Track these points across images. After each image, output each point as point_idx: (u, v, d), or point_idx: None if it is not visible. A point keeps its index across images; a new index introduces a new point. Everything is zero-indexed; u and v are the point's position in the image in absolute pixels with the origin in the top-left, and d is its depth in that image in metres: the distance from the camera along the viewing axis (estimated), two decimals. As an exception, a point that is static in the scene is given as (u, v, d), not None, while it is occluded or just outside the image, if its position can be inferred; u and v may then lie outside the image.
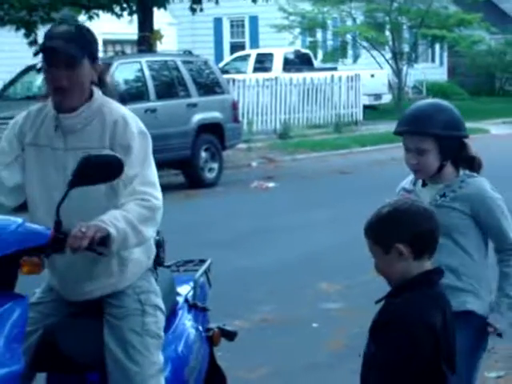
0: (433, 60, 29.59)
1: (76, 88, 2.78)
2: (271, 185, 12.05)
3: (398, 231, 2.39)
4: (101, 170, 2.59)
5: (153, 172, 2.83)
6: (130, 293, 2.88)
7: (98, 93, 2.86)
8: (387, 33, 23.62)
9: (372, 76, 22.17)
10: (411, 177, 3.26)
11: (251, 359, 4.94)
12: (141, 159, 2.80)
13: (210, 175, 12.35)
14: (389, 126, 19.65)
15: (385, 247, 2.40)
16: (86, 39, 2.80)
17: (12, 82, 12.34)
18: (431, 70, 27.91)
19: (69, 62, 2.74)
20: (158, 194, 2.81)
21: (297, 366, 5.00)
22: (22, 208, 3.02)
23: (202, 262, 3.57)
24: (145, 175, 2.79)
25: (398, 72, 23.34)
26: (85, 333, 2.87)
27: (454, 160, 3.14)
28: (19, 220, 2.56)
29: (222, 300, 3.65)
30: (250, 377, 4.77)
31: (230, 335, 3.45)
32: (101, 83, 2.89)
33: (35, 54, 2.77)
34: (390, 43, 23.32)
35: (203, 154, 12.25)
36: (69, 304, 2.93)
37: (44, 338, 2.84)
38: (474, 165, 3.16)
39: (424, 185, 3.18)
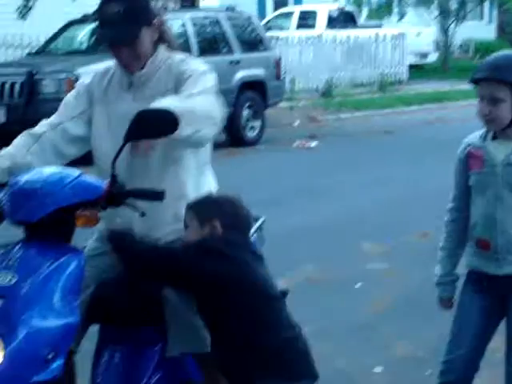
0: (481, 17, 28.94)
1: (139, 57, 2.86)
2: (313, 144, 11.91)
3: (217, 210, 2.67)
4: (155, 125, 2.57)
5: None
6: None
7: (162, 47, 2.91)
8: (435, -11, 23.11)
9: (418, 34, 21.76)
10: (479, 133, 3.11)
11: (294, 318, 4.86)
12: (198, 86, 2.79)
13: (251, 134, 12.24)
14: (435, 86, 19.38)
15: (202, 221, 2.66)
16: (137, 12, 2.81)
17: (54, 37, 12.32)
18: (480, 27, 27.31)
19: (125, 43, 2.81)
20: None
21: (340, 326, 4.94)
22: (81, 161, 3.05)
23: (256, 219, 3.51)
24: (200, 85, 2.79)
25: (445, 30, 22.87)
26: (140, 286, 2.83)
27: None
28: (76, 173, 2.56)
29: (265, 259, 3.57)
30: (292, 336, 4.71)
31: (281, 294, 3.38)
32: (161, 39, 2.92)
33: (98, 43, 2.88)
34: (438, 0, 22.82)
35: (245, 112, 12.14)
36: None
37: (98, 290, 2.84)
38: None
39: (494, 138, 3.03)
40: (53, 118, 2.96)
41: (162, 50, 2.93)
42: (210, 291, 2.56)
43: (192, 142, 2.69)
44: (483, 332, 3.11)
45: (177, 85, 2.85)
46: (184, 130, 2.57)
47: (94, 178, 2.61)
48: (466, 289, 3.15)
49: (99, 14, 2.84)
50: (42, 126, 2.95)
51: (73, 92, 3.02)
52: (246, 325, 2.58)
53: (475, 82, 3.00)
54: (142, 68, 2.88)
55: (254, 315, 2.60)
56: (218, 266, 2.54)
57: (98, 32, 2.90)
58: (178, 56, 2.94)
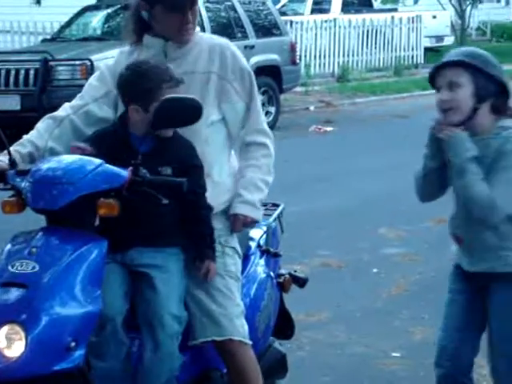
0: (498, 0, 28.67)
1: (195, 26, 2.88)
2: (329, 129, 11.88)
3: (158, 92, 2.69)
4: (180, 113, 2.57)
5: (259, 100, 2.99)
6: None
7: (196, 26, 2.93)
8: (451, -28, 22.91)
9: (434, 17, 21.57)
10: None
11: (311, 303, 4.89)
12: (254, 85, 2.90)
13: (266, 119, 12.16)
14: (450, 69, 19.24)
15: (147, 108, 2.70)
16: None
17: (68, 23, 12.31)
18: (496, 10, 27.06)
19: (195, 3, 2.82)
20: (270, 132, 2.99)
21: (356, 311, 4.94)
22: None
23: (275, 206, 3.51)
24: (259, 106, 2.93)
25: (461, 13, 22.68)
26: None
27: (493, 108, 2.86)
28: (98, 161, 2.55)
29: (281, 244, 3.58)
30: (310, 320, 4.73)
31: (301, 282, 3.40)
32: None
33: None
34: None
35: (260, 97, 12.11)
36: None
37: None
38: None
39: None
40: (75, 101, 2.91)
41: (197, 31, 2.92)
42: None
43: None
44: (465, 325, 3.00)
45: (225, 75, 2.85)
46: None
47: (116, 167, 2.59)
48: (450, 281, 3.09)
49: None
50: (65, 109, 2.90)
51: (96, 74, 2.97)
52: None
53: (433, 76, 2.89)
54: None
55: None
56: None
57: None
58: (215, 40, 2.93)
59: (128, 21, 2.92)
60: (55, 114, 2.90)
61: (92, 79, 2.95)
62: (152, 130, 2.60)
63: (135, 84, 2.68)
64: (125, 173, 2.54)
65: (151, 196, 2.55)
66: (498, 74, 2.87)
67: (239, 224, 2.88)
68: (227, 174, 2.91)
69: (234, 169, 2.97)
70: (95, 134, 2.79)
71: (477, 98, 2.84)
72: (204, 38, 2.94)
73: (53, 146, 2.82)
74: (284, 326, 3.38)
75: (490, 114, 2.88)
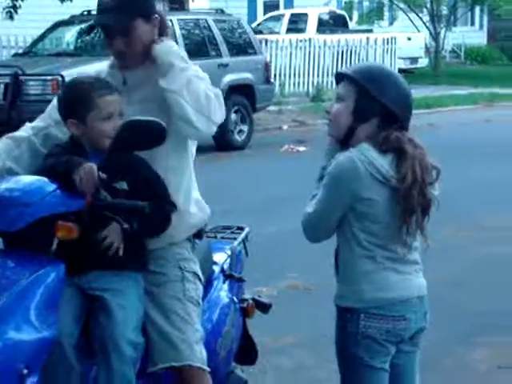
0: (472, 23, 28.99)
1: (135, 50, 2.79)
2: (302, 149, 11.87)
3: None
4: (142, 136, 2.52)
5: None
6: (170, 259, 2.82)
7: None
8: (425, -6, 23.15)
9: (409, 39, 21.78)
10: None
11: (278, 327, 4.84)
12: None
13: (239, 138, 12.20)
14: (425, 91, 19.35)
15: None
16: (131, 2, 2.77)
17: (40, 37, 12.23)
18: (470, 33, 27.38)
19: (121, 30, 2.75)
20: None
21: (323, 335, 4.88)
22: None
23: (240, 229, 3.48)
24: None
25: (435, 35, 22.92)
26: None
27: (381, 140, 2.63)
28: (56, 183, 2.50)
29: (248, 265, 3.54)
30: (275, 345, 4.68)
31: (265, 307, 3.36)
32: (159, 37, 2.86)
33: (89, 31, 2.85)
34: (428, 5, 22.86)
35: (233, 116, 12.09)
36: None
37: None
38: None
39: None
40: (37, 122, 2.88)
41: None
42: None
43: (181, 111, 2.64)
44: None
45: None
46: (172, 85, 2.63)
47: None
48: None
49: (98, 4, 2.81)
50: (25, 129, 2.87)
51: None
52: None
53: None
54: (137, 67, 2.81)
55: None
56: None
57: (95, 18, 2.91)
58: None
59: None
60: (15, 134, 2.87)
61: (55, 100, 2.89)
62: (108, 153, 2.54)
63: (66, 98, 2.69)
64: (84, 195, 2.48)
65: (112, 220, 2.50)
66: (383, 97, 2.63)
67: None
68: (192, 203, 2.87)
69: (199, 201, 2.93)
70: (50, 156, 2.73)
71: (354, 116, 2.66)
72: None
73: (11, 166, 2.79)
74: (247, 351, 3.33)
75: (371, 136, 2.65)
